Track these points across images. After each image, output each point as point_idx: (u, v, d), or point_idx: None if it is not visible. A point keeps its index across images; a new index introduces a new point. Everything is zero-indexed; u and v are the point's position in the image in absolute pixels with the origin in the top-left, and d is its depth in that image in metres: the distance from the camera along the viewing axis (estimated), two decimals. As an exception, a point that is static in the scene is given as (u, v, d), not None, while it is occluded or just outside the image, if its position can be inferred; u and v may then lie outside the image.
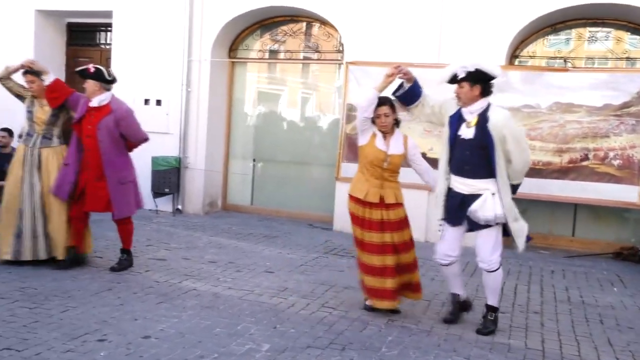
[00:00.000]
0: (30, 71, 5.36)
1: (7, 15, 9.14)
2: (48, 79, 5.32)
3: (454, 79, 4.21)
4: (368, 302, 4.62)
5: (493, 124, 4.11)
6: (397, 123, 4.50)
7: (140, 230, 7.25)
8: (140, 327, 4.08)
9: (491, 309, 4.43)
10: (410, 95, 4.41)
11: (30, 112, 5.43)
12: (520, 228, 4.26)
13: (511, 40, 7.36)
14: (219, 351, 3.76)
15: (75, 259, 5.45)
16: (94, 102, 5.22)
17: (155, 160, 8.44)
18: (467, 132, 4.21)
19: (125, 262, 5.53)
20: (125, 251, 5.59)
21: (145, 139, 5.53)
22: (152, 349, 3.73)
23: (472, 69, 4.12)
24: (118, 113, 5.23)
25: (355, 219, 4.51)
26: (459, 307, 4.57)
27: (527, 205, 6.74)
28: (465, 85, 4.15)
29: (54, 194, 5.30)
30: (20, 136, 5.74)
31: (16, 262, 5.34)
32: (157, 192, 8.52)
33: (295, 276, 5.65)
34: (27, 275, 5.10)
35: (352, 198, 4.51)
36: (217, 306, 4.63)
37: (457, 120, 4.27)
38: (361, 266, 4.56)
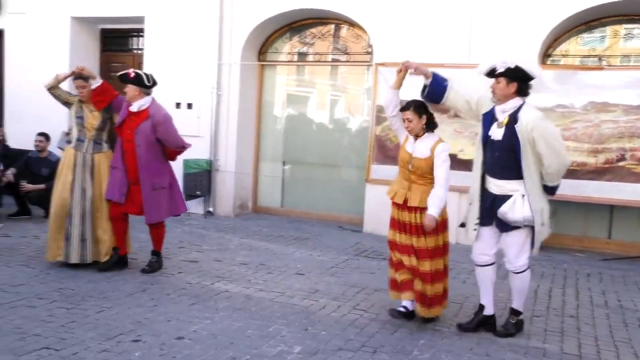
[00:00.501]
0: (80, 77, 5.47)
1: (44, 23, 9.36)
2: (95, 83, 5.43)
3: (492, 73, 4.13)
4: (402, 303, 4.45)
5: (521, 126, 4.02)
6: (430, 127, 4.38)
7: (172, 232, 7.35)
8: (174, 328, 4.13)
9: (514, 312, 4.34)
10: (434, 91, 4.35)
11: (80, 118, 5.52)
12: (541, 231, 4.14)
13: (544, 38, 7.23)
14: (251, 353, 3.78)
15: (118, 260, 5.53)
16: (134, 107, 5.28)
17: (186, 163, 8.54)
18: (497, 132, 4.15)
19: (155, 263, 5.60)
20: (156, 253, 5.66)
21: (183, 146, 5.54)
22: (185, 350, 3.77)
23: (511, 65, 4.04)
24: (155, 118, 5.26)
25: (390, 219, 4.49)
26: (480, 321, 4.39)
27: (559, 207, 6.63)
28: (502, 80, 4.08)
29: (108, 198, 5.42)
30: (69, 142, 5.86)
31: (55, 264, 5.47)
32: (188, 195, 8.60)
33: (326, 278, 5.65)
34: (64, 277, 5.21)
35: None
36: (249, 308, 4.66)
37: (490, 119, 4.21)
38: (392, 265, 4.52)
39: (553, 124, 4.12)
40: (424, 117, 4.34)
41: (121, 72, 5.36)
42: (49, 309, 4.37)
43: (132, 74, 5.25)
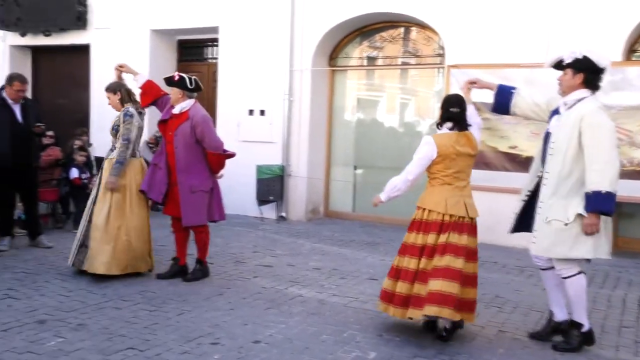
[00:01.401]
0: (107, 88, 5.68)
1: (126, 36, 9.82)
2: (141, 79, 5.58)
3: (559, 65, 3.98)
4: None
5: (572, 115, 3.81)
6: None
7: (246, 237, 7.52)
8: (250, 332, 4.21)
9: (575, 325, 4.00)
10: (501, 101, 4.29)
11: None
12: (567, 231, 3.83)
13: (629, 33, 6.88)
14: (326, 358, 3.80)
15: (179, 270, 5.53)
16: (176, 109, 5.29)
17: (259, 169, 8.71)
18: (553, 125, 3.98)
19: (197, 272, 5.49)
20: (199, 261, 5.54)
21: (224, 151, 5.37)
22: (262, 354, 3.83)
23: (579, 56, 3.87)
24: (194, 120, 5.22)
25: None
26: (551, 329, 4.17)
27: (635, 209, 6.28)
28: (569, 72, 3.92)
29: (143, 189, 5.40)
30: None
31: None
32: (261, 200, 8.78)
33: (400, 284, 5.59)
34: (145, 280, 5.42)
35: None
36: (323, 313, 4.69)
37: (553, 114, 4.05)
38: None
39: (611, 121, 3.82)
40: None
41: (167, 75, 5.43)
42: (133, 311, 4.56)
43: (177, 77, 5.30)
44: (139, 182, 5.48)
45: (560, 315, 4.17)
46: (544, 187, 3.94)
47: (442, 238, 4.05)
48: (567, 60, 3.92)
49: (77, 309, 4.54)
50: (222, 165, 5.43)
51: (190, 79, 5.30)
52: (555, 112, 4.03)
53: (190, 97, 5.34)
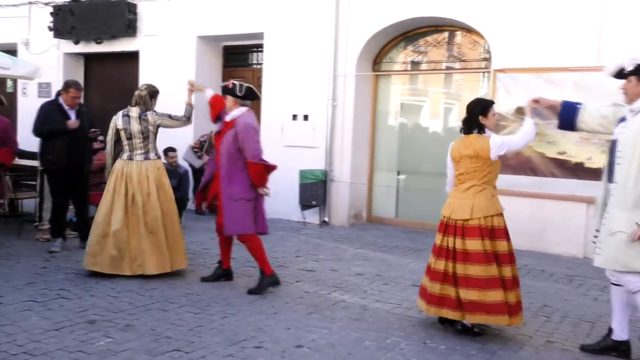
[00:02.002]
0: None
1: (173, 43, 10.05)
2: (208, 95, 5.67)
3: (621, 73, 3.87)
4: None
5: (639, 121, 3.70)
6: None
7: (289, 241, 7.57)
8: (293, 337, 4.23)
9: None
10: (566, 117, 4.19)
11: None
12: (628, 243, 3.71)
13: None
14: (369, 364, 3.78)
15: (223, 273, 5.58)
16: (228, 117, 5.24)
17: (302, 174, 8.75)
18: (618, 132, 3.86)
19: (262, 282, 5.31)
20: (260, 272, 5.37)
21: (261, 160, 5.16)
22: (305, 359, 3.84)
23: None
24: (237, 127, 5.14)
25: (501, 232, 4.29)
26: (608, 345, 4.01)
27: None
28: (633, 79, 3.80)
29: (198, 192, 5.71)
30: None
31: (183, 270, 5.80)
32: (304, 205, 8.81)
33: (444, 291, 5.52)
34: (191, 282, 5.52)
35: (501, 214, 4.30)
36: (366, 319, 4.67)
37: (620, 121, 3.93)
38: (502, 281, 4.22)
39: None
40: None
41: (224, 83, 5.42)
42: (178, 313, 4.64)
43: (230, 85, 5.26)
44: (137, 184, 5.63)
45: (620, 334, 3.99)
46: (612, 198, 3.83)
47: (444, 241, 4.29)
48: (629, 67, 3.82)
49: (125, 310, 4.66)
50: (261, 177, 5.18)
51: (241, 86, 5.22)
52: (622, 119, 3.92)
53: (243, 105, 5.26)
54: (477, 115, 4.31)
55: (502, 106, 7.42)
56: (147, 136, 5.74)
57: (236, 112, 5.22)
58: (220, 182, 5.25)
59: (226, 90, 5.27)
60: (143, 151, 5.73)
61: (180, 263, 5.74)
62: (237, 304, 4.93)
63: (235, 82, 5.27)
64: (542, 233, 7.39)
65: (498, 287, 4.10)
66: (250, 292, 5.23)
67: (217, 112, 5.51)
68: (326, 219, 8.90)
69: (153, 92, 5.84)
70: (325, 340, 4.18)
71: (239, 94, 5.20)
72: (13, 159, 6.83)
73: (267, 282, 5.29)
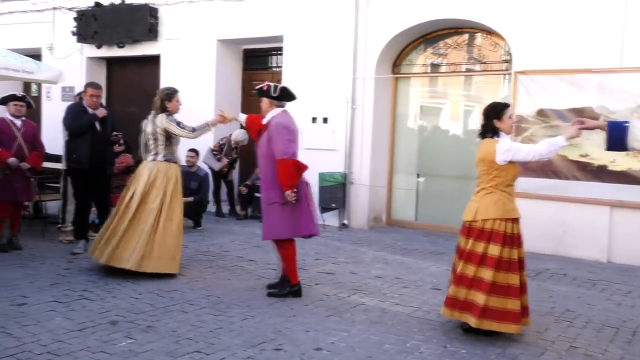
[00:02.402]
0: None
1: (194, 47, 10.14)
2: (241, 119, 5.54)
3: None
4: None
5: None
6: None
7: (309, 244, 7.53)
8: (312, 339, 4.23)
9: None
10: (615, 137, 4.08)
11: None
12: None
13: None
14: (389, 368, 3.77)
15: (283, 280, 5.35)
16: (265, 119, 5.19)
17: (322, 176, 8.75)
18: None
19: (284, 289, 5.25)
20: (286, 277, 5.29)
21: (288, 155, 4.93)
22: (324, 361, 3.85)
23: None
24: (271, 128, 5.06)
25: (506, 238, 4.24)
26: None
27: None
28: None
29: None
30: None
31: (203, 272, 5.84)
32: (324, 207, 8.81)
33: (464, 295, 5.48)
34: (210, 285, 5.56)
35: (510, 220, 4.24)
36: (386, 322, 4.65)
37: None
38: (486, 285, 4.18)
39: None
40: None
41: (259, 86, 5.36)
42: (198, 315, 4.68)
43: (265, 87, 5.21)
44: (142, 183, 5.73)
45: None
46: None
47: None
48: None
49: (146, 311, 4.71)
50: (290, 177, 4.91)
51: (275, 87, 5.15)
52: None
53: (278, 107, 5.17)
54: (492, 119, 4.31)
55: (523, 108, 7.35)
56: (157, 138, 5.83)
57: (272, 113, 5.15)
58: (261, 185, 5.29)
59: (261, 93, 5.19)
60: (154, 152, 5.86)
61: (164, 267, 5.63)
62: (257, 306, 4.95)
63: (270, 83, 5.21)
64: (563, 237, 7.30)
65: (484, 290, 4.11)
66: (270, 294, 5.24)
67: (257, 129, 5.29)
68: (345, 221, 8.89)
69: (166, 95, 5.90)
70: (345, 343, 4.17)
71: (273, 95, 5.14)
72: (42, 162, 6.97)
73: (290, 290, 5.24)
